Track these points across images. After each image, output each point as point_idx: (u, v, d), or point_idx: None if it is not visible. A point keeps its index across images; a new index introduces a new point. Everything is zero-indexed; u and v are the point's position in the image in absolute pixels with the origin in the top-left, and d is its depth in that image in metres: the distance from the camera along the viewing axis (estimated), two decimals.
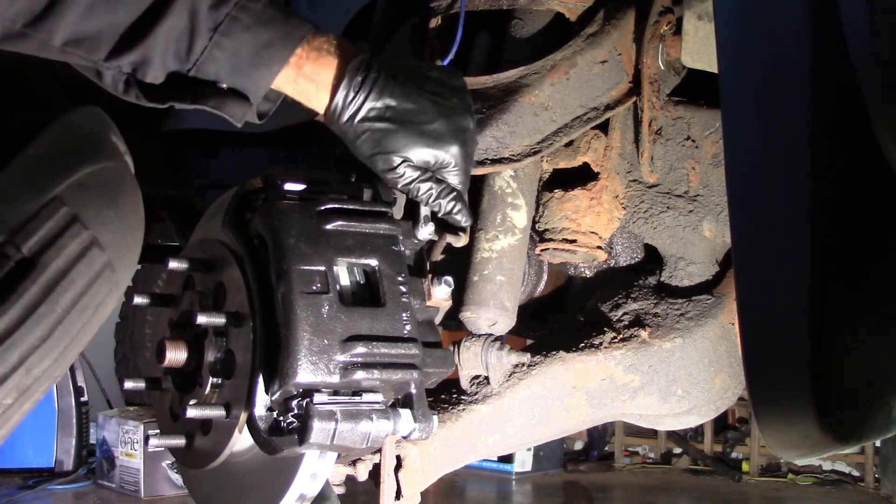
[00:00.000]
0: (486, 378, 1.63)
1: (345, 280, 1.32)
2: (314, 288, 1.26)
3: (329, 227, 1.33)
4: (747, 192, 1.22)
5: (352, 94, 1.31)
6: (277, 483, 1.39)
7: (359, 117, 1.32)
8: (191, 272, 1.48)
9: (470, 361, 1.61)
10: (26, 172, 1.20)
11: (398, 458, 1.48)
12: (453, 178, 1.40)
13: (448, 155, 1.37)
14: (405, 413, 1.29)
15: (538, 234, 1.77)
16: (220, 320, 1.36)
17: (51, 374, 1.21)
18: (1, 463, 3.84)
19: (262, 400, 1.29)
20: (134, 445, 3.58)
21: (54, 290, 1.18)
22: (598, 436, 4.89)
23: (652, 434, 4.90)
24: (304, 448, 1.26)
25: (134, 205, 1.30)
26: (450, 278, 1.41)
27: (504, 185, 1.69)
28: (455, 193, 1.40)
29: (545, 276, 1.89)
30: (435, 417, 1.33)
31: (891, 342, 1.30)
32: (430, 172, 1.37)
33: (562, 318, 1.91)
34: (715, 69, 1.35)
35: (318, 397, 1.24)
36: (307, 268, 1.27)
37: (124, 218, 1.26)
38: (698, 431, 4.82)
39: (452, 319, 1.66)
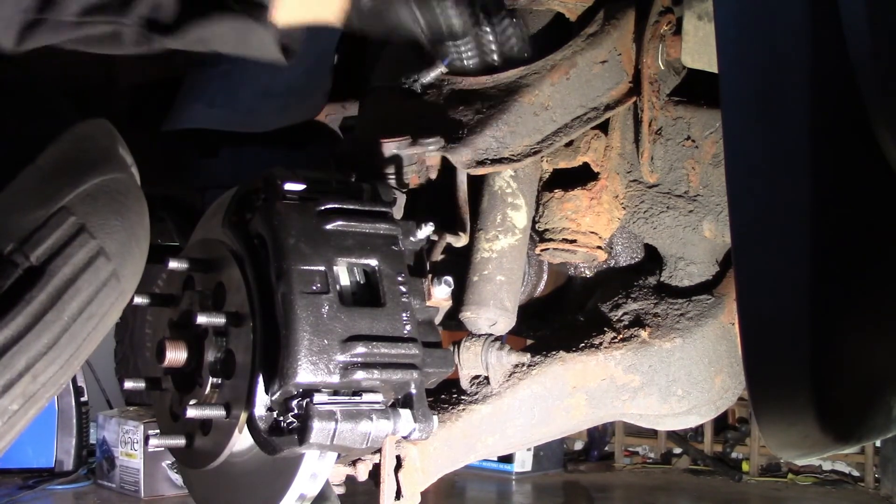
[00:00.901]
0: (486, 378, 1.63)
1: (345, 280, 1.32)
2: (314, 288, 1.26)
3: (329, 227, 1.33)
4: (747, 193, 1.22)
5: None
6: (277, 483, 1.39)
7: None
8: (191, 272, 1.48)
9: (470, 361, 1.61)
10: (36, 182, 1.22)
11: (398, 458, 1.48)
12: None
13: None
14: (405, 413, 1.29)
15: (538, 234, 1.77)
16: (220, 320, 1.36)
17: (56, 381, 1.23)
18: (1, 463, 3.84)
19: (262, 400, 1.29)
20: (134, 445, 3.58)
21: (61, 298, 1.20)
22: (598, 436, 4.89)
23: (652, 434, 4.90)
24: (304, 448, 1.26)
25: (140, 216, 1.31)
26: (450, 278, 1.41)
27: (504, 185, 1.69)
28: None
29: (545, 276, 1.89)
30: (435, 417, 1.33)
31: (891, 342, 1.30)
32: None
33: (562, 318, 1.91)
34: (715, 69, 1.35)
35: (318, 397, 1.24)
36: (307, 268, 1.27)
37: (130, 228, 1.28)
38: (698, 431, 4.82)
39: (452, 319, 1.66)
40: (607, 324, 1.72)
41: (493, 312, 1.63)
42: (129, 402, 4.00)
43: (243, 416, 1.31)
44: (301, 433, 1.23)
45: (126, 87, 2.43)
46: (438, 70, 1.73)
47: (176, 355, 1.42)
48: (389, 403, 1.31)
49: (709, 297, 1.73)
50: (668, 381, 1.69)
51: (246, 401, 1.30)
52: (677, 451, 4.92)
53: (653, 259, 1.83)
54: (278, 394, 1.24)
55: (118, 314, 1.31)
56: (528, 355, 1.64)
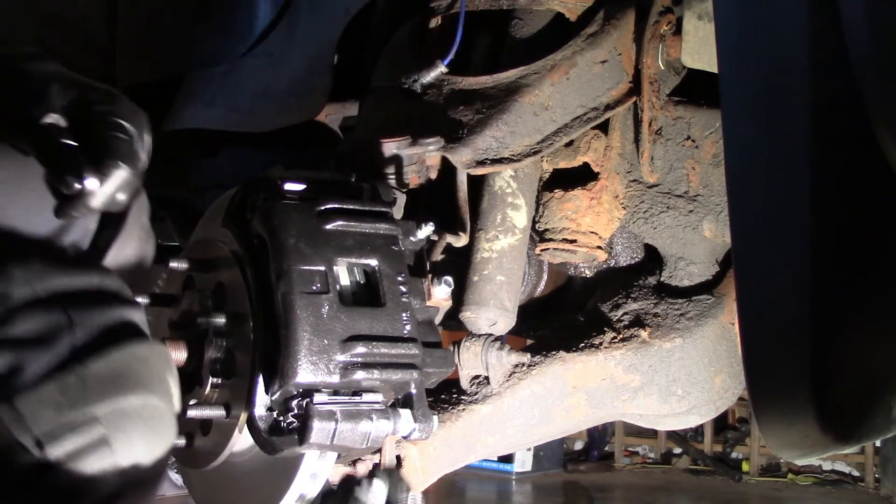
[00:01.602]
0: (486, 378, 1.63)
1: (345, 280, 1.32)
2: (314, 288, 1.26)
3: (329, 227, 1.33)
4: (747, 192, 1.22)
5: None
6: (277, 483, 1.39)
7: None
8: (191, 272, 1.48)
9: (470, 361, 1.61)
10: (78, 386, 1.18)
11: (398, 458, 1.48)
12: None
13: None
14: (405, 413, 1.29)
15: (538, 234, 1.77)
16: (220, 320, 1.36)
17: None
18: None
19: (262, 400, 1.29)
20: None
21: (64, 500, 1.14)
22: (598, 436, 4.89)
23: (652, 434, 4.90)
24: (304, 448, 1.26)
25: (165, 448, 1.26)
26: (450, 278, 1.41)
27: (504, 185, 1.69)
28: None
29: (545, 276, 1.89)
30: (435, 417, 1.33)
31: (891, 342, 1.30)
32: None
33: (562, 318, 1.91)
34: (715, 69, 1.35)
35: (318, 397, 1.24)
36: (307, 268, 1.27)
37: (151, 457, 1.24)
38: (698, 431, 4.82)
39: (452, 319, 1.66)
40: (607, 324, 1.72)
41: (493, 312, 1.63)
42: None
43: (243, 416, 1.31)
44: (301, 433, 1.23)
45: (126, 87, 2.43)
46: (438, 70, 1.73)
47: (176, 355, 1.41)
48: (389, 403, 1.31)
49: (709, 297, 1.73)
50: (668, 381, 1.69)
51: (246, 401, 1.30)
52: (677, 451, 4.92)
53: (653, 259, 1.83)
54: (278, 394, 1.24)
55: None
56: (528, 355, 1.64)
